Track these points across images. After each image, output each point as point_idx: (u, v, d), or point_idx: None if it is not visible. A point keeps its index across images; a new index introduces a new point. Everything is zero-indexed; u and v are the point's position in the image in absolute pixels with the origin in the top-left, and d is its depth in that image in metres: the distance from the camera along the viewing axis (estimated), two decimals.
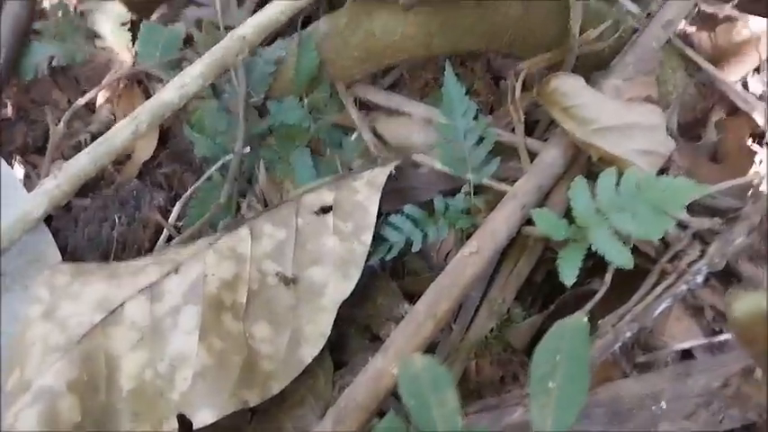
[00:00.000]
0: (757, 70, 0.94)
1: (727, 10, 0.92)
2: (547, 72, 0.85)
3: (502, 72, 0.90)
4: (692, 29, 0.95)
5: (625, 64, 0.79)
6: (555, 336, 0.45)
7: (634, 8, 0.91)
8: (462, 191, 0.72)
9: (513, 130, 0.80)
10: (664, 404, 0.57)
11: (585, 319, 0.45)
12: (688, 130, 0.91)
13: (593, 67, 0.84)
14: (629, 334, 0.59)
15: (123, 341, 0.60)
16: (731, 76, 0.93)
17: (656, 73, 0.86)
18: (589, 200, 0.64)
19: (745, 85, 0.93)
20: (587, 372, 0.44)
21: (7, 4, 0.86)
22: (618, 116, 0.69)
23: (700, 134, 0.90)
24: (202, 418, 0.56)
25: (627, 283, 0.64)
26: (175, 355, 0.59)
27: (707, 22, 0.95)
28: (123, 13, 0.88)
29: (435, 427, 0.43)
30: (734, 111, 0.91)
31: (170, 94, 0.74)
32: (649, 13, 0.88)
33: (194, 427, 0.56)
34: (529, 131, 0.85)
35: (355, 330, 0.69)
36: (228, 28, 0.94)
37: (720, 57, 0.94)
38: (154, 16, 1.01)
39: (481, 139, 0.74)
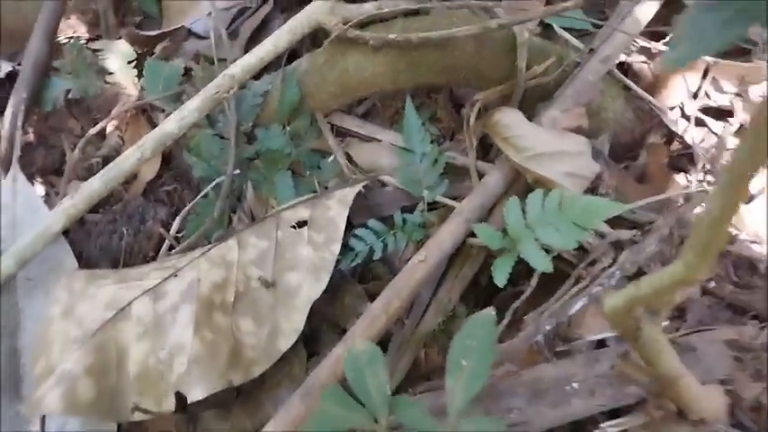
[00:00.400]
0: (695, 96, 1.06)
1: (661, 45, 1.04)
2: (500, 102, 0.97)
3: (462, 101, 1.03)
4: (633, 60, 1.07)
5: (565, 96, 0.92)
6: (470, 325, 0.57)
7: (579, 44, 1.03)
8: (418, 207, 0.85)
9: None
10: (575, 385, 0.69)
11: (493, 312, 0.57)
12: (629, 151, 1.03)
13: (539, 98, 0.96)
14: (548, 327, 0.71)
15: (130, 334, 0.72)
16: (669, 101, 1.05)
17: (596, 103, 0.98)
18: (520, 216, 0.76)
19: (683, 110, 1.05)
20: (492, 353, 0.56)
21: (29, 44, 0.99)
22: (549, 145, 0.81)
23: (638, 154, 1.02)
24: (195, 394, 0.68)
25: (552, 285, 0.76)
26: (174, 345, 0.71)
27: (646, 54, 1.07)
28: (130, 51, 1.00)
29: (369, 395, 0.55)
30: (669, 132, 1.03)
31: (171, 125, 0.86)
32: (592, 49, 1.00)
33: (189, 402, 0.68)
34: (485, 153, 0.97)
35: (326, 326, 0.81)
36: (221, 60, 1.06)
37: (659, 85, 1.06)
38: (158, 48, 1.14)
39: (435, 162, 0.86)
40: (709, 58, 1.03)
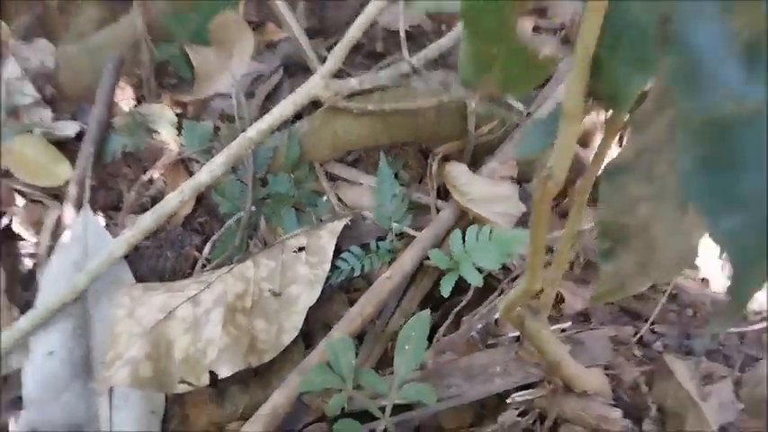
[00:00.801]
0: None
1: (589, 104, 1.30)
2: (457, 155, 1.24)
3: (428, 152, 1.30)
4: None
5: (504, 151, 1.18)
6: (414, 321, 0.84)
7: (520, 107, 1.30)
8: (389, 237, 1.11)
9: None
10: (498, 368, 0.95)
11: (428, 313, 0.83)
12: (560, 193, 1.29)
13: (486, 152, 1.22)
14: (480, 326, 0.97)
15: (177, 330, 0.99)
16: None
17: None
18: (461, 244, 1.02)
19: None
20: (425, 340, 0.82)
21: (94, 109, 1.28)
22: (485, 190, 1.08)
23: (566, 196, 1.28)
24: (223, 373, 0.94)
25: (484, 295, 1.02)
26: (208, 338, 0.98)
27: None
28: (171, 115, 1.28)
29: (341, 367, 0.81)
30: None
31: (204, 175, 1.14)
32: (529, 113, 1.27)
33: (219, 379, 0.95)
34: (447, 193, 1.24)
35: (319, 325, 1.07)
36: (241, 117, 1.35)
37: (587, 139, 1.32)
38: (189, 107, 1.43)
39: (402, 202, 1.13)
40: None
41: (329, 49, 1.36)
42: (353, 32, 1.22)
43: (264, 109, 1.31)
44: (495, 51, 0.55)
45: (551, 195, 0.57)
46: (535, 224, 0.60)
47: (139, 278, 1.13)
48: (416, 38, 1.51)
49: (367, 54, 1.48)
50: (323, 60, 1.25)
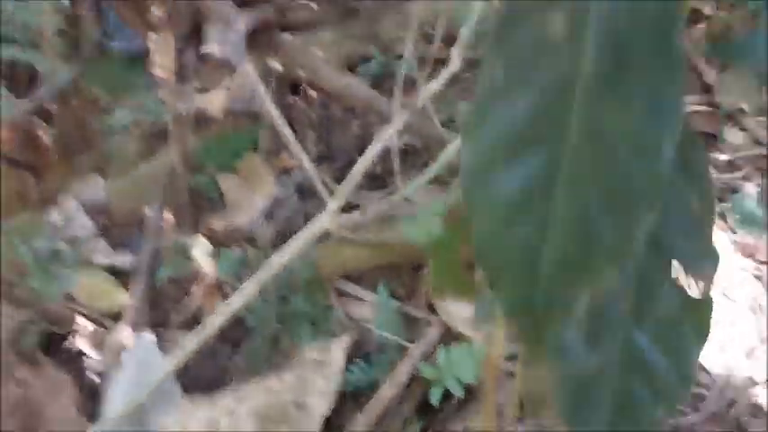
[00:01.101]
0: None
1: None
2: None
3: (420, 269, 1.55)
4: None
5: None
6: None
7: None
8: (388, 349, 1.36)
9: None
10: None
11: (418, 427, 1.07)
12: None
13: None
14: (461, 429, 1.20)
15: None
16: None
17: None
18: (445, 358, 1.26)
19: None
20: None
21: (146, 243, 1.55)
22: (465, 309, 1.32)
23: None
24: None
25: (468, 401, 1.26)
26: None
27: None
28: (207, 245, 1.55)
29: None
30: None
31: (237, 301, 1.39)
32: None
33: None
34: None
35: (333, 429, 1.31)
36: (263, 238, 1.61)
37: None
38: (219, 231, 1.70)
39: (397, 317, 1.38)
40: None
41: (335, 175, 1.64)
42: (357, 171, 1.48)
43: (283, 232, 1.58)
44: (449, 278, 0.80)
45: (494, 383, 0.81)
46: (485, 391, 0.84)
47: (185, 387, 1.38)
48: (410, 155, 1.79)
49: (369, 176, 1.75)
50: (330, 188, 1.51)
